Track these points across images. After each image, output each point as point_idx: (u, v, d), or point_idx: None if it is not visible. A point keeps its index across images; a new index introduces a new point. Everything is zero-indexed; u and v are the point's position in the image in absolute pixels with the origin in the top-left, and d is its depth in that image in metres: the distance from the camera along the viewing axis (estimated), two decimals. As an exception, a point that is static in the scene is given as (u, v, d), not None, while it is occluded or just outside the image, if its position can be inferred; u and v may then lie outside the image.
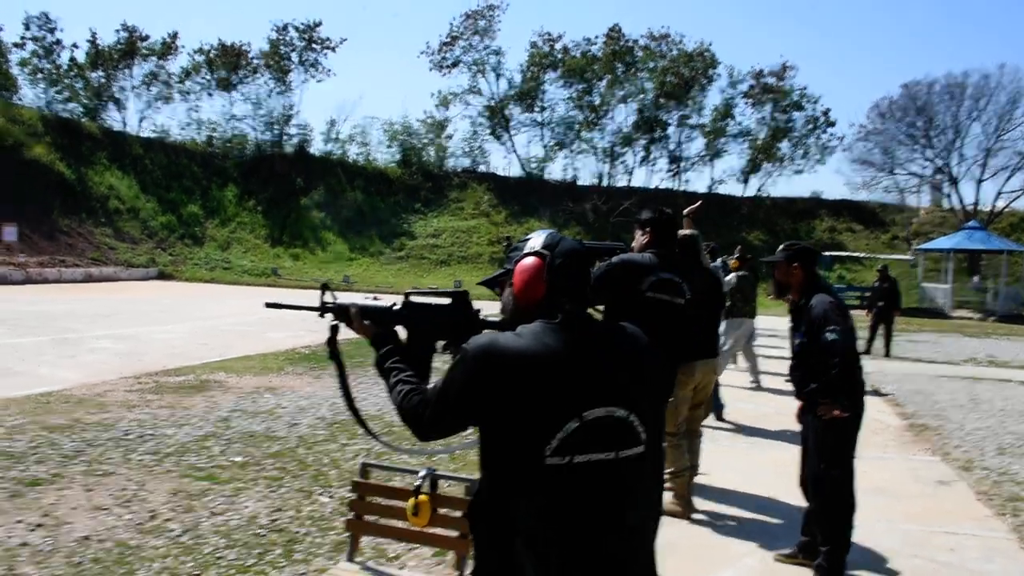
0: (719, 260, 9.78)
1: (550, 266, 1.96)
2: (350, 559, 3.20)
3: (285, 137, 42.31)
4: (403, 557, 4.54)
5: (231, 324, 16.03)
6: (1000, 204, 36.68)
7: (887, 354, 15.65)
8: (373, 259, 35.66)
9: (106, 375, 9.61)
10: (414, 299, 2.48)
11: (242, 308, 19.47)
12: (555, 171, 44.68)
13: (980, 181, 37.20)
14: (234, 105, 42.91)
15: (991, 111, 36.72)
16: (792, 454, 4.75)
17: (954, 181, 37.89)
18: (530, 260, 1.99)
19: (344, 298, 2.60)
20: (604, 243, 4.61)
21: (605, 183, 41.72)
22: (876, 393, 11.25)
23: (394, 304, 2.48)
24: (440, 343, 2.41)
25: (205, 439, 6.83)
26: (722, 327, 10.41)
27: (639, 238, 4.24)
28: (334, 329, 2.52)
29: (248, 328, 15.28)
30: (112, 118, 40.50)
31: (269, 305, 2.85)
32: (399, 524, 3.17)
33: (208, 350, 12.09)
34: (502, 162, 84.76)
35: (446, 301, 2.44)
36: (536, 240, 2.03)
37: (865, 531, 5.27)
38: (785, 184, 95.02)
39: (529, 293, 1.98)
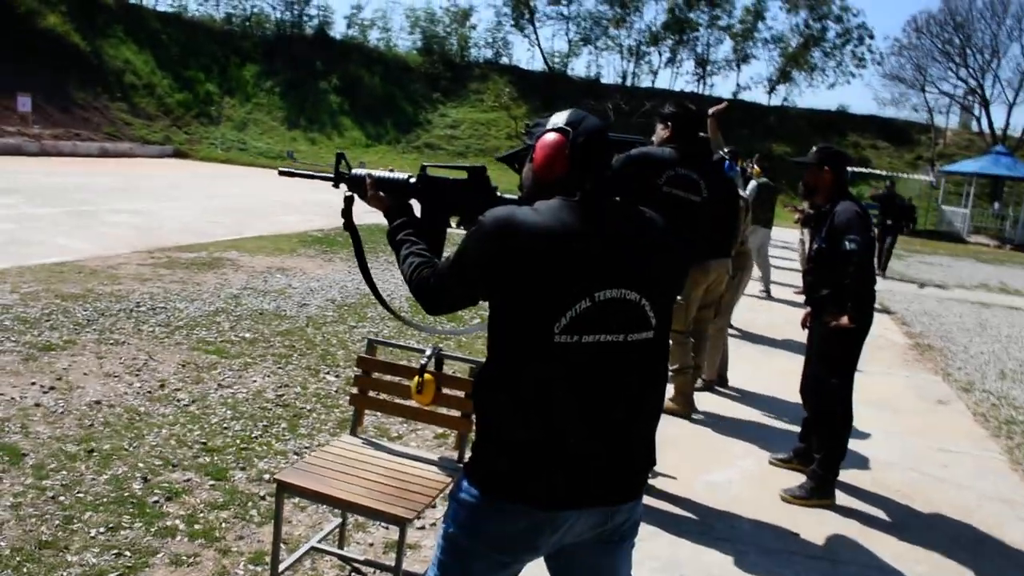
0: (739, 166, 9.60)
1: (572, 143, 1.89)
2: (352, 432, 3.24)
3: (305, 18, 41.34)
4: (405, 437, 4.64)
5: (245, 204, 16.01)
6: (1031, 130, 35.85)
7: (882, 271, 15.05)
8: (390, 147, 35.29)
9: (120, 248, 9.66)
10: (430, 173, 2.41)
11: (257, 189, 19.43)
12: (578, 67, 43.84)
13: (1012, 105, 36.34)
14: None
15: (1033, 31, 35.46)
16: (796, 363, 4.76)
17: (986, 103, 36.94)
18: (552, 136, 1.91)
19: (373, 170, 2.53)
20: (625, 136, 4.50)
21: (629, 83, 40.84)
22: (884, 311, 11.25)
23: (410, 176, 2.42)
24: (455, 218, 2.36)
25: (215, 314, 6.90)
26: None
27: (660, 132, 4.14)
28: (348, 200, 2.48)
29: (262, 209, 15.26)
30: (130, -11, 39.57)
31: (283, 173, 2.81)
32: (403, 401, 3.21)
33: (222, 228, 12.11)
34: (525, 55, 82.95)
35: (463, 176, 2.37)
36: (559, 117, 1.95)
37: (862, 442, 5.35)
38: (811, 96, 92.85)
39: (549, 170, 1.91)
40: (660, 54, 41.63)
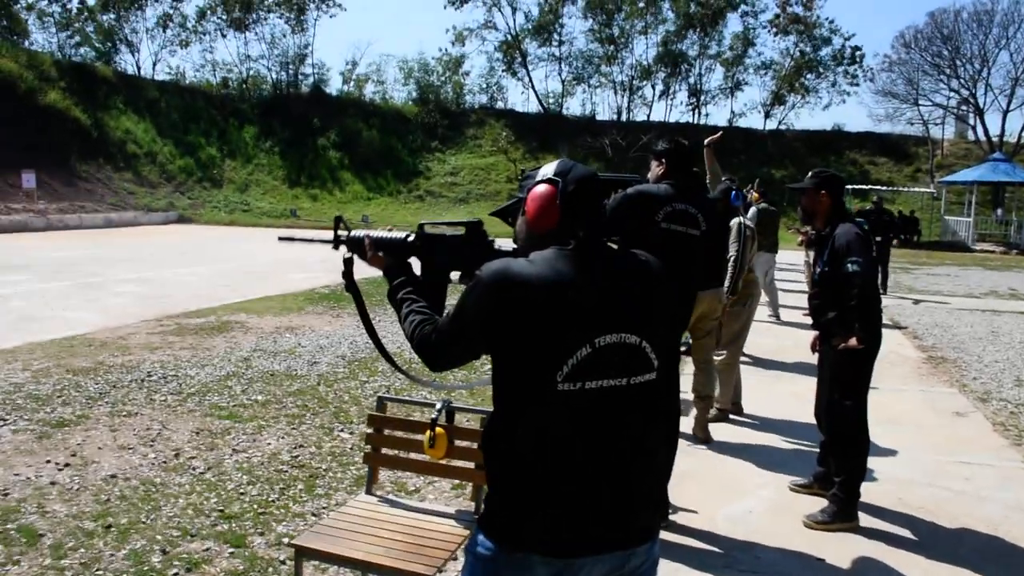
0: (741, 193, 9.65)
1: (563, 192, 1.93)
2: (368, 491, 3.24)
3: (301, 77, 42.08)
4: (423, 491, 4.62)
5: (251, 266, 16.14)
6: (1027, 135, 35.94)
7: (884, 290, 15.04)
8: (392, 199, 35.61)
9: (129, 318, 9.73)
10: (428, 230, 2.45)
11: (262, 250, 19.57)
12: (573, 106, 44.22)
13: (1007, 112, 36.48)
14: (248, 45, 42.85)
15: (1020, 38, 35.81)
16: (809, 386, 4.74)
17: (980, 112, 37.10)
18: (543, 187, 1.95)
19: (371, 231, 2.57)
20: (620, 175, 4.55)
21: (624, 118, 41.26)
22: (895, 327, 11.21)
23: (408, 235, 2.45)
24: (455, 274, 2.38)
25: (227, 379, 6.92)
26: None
27: (655, 169, 4.17)
28: (348, 262, 2.50)
29: (268, 269, 15.37)
30: (126, 62, 40.57)
31: (282, 239, 2.85)
32: (416, 457, 3.21)
33: (229, 292, 12.20)
34: (519, 98, 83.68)
35: (460, 231, 2.40)
36: (548, 168, 2.00)
37: (882, 461, 5.30)
38: (807, 118, 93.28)
39: (542, 220, 1.94)
40: (653, 87, 42.13)
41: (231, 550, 3.80)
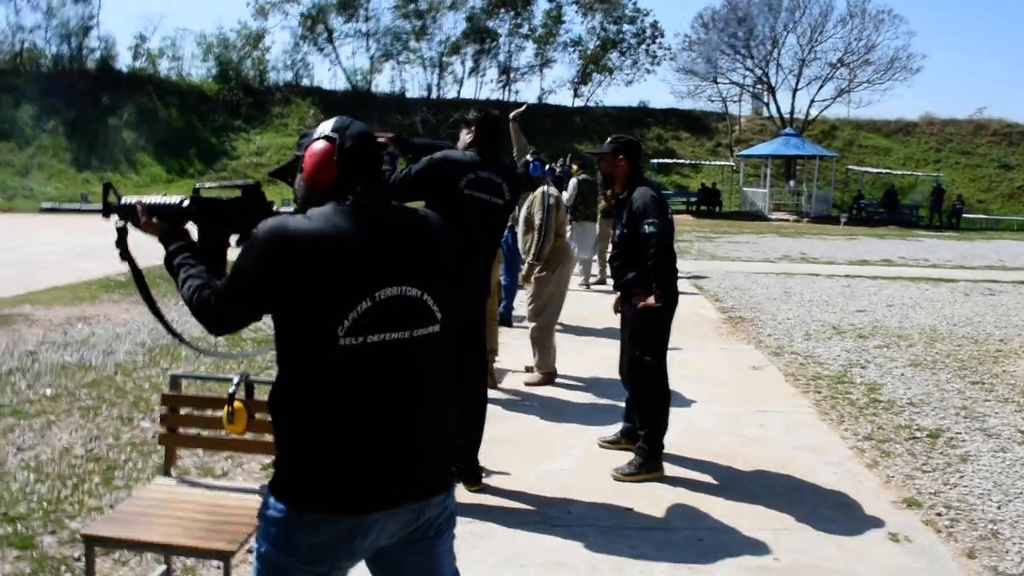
0: (549, 167, 9.86)
1: (340, 149, 1.92)
2: (166, 473, 3.07)
3: (86, 51, 38.59)
4: (231, 473, 4.43)
5: (36, 255, 14.77)
6: (813, 112, 38.96)
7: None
8: (195, 180, 33.58)
9: None
10: (203, 194, 2.38)
11: (49, 237, 17.99)
12: (383, 83, 43.39)
13: (796, 90, 39.29)
14: (20, 14, 38.62)
15: (805, 23, 38.60)
16: (617, 348, 4.93)
17: (772, 90, 39.81)
18: (320, 144, 1.94)
19: (144, 196, 2.44)
20: (429, 140, 4.52)
21: (434, 95, 41.03)
22: (698, 289, 11.92)
23: (183, 200, 2.37)
24: (234, 237, 2.33)
25: (8, 375, 6.32)
26: (568, 232, 10.72)
27: (464, 137, 4.17)
28: (121, 231, 2.40)
29: (56, 258, 14.12)
30: None
31: (45, 210, 2.64)
32: (216, 434, 3.07)
33: (9, 284, 11.09)
34: (327, 75, 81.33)
35: (237, 194, 2.36)
36: (326, 125, 1.98)
37: (684, 413, 5.63)
38: (615, 94, 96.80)
39: (319, 177, 1.93)
40: (463, 64, 42.14)
41: (16, 553, 3.49)
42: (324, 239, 1.78)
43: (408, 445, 1.88)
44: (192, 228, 2.34)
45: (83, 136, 33.36)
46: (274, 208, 2.34)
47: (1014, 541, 3.92)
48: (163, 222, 2.31)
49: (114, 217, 2.42)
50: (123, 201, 2.40)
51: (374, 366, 1.82)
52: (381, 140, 2.32)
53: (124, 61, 39.44)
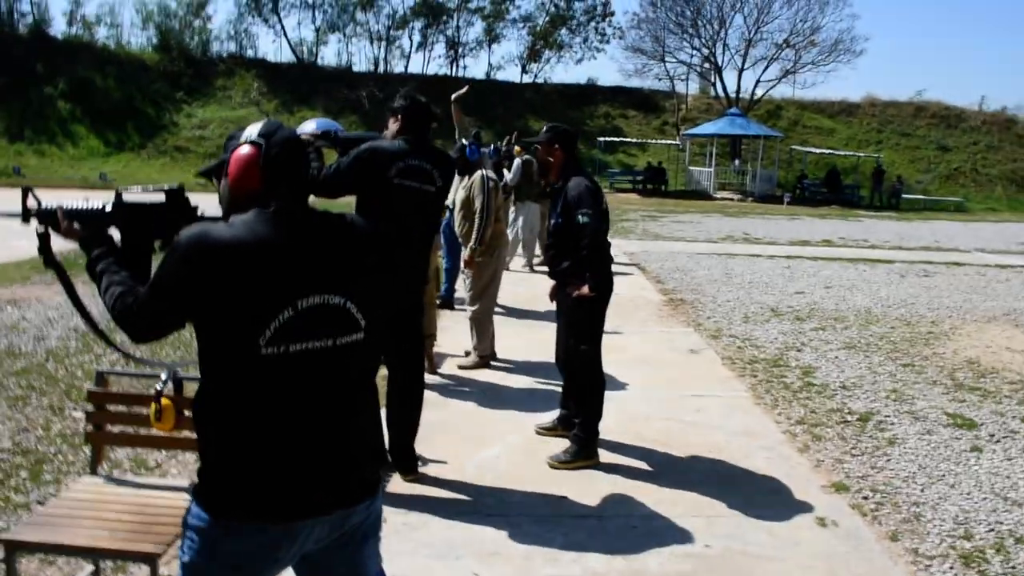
0: (493, 147, 9.83)
1: (266, 155, 1.89)
2: (93, 471, 3.02)
3: (17, 16, 37.14)
4: (164, 465, 4.37)
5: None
6: (759, 92, 39.40)
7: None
8: (134, 155, 32.59)
9: None
10: (126, 198, 2.35)
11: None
12: (329, 56, 42.61)
13: (742, 70, 39.68)
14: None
15: (752, 3, 38.95)
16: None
17: (719, 70, 40.17)
18: (246, 149, 1.91)
19: (65, 201, 2.39)
20: (360, 133, 4.47)
21: (381, 69, 40.51)
22: (640, 270, 12.03)
23: (105, 205, 2.34)
24: (158, 242, 2.30)
25: (-67, 361, 6.14)
26: (512, 212, 10.73)
27: (391, 125, 4.12)
28: (43, 236, 2.34)
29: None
30: None
31: None
32: (146, 432, 3.03)
33: (-64, 263, 10.74)
34: (271, 47, 79.71)
35: (160, 198, 2.33)
36: (252, 129, 1.95)
37: (621, 398, 5.70)
38: (563, 72, 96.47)
39: (244, 183, 1.90)
40: (411, 39, 41.66)
41: (-65, 554, 3.40)
42: (245, 247, 1.77)
43: (333, 453, 1.88)
44: (115, 232, 2.31)
45: (15, 106, 32.08)
46: (200, 212, 2.32)
47: (935, 523, 4.07)
48: (85, 228, 2.26)
49: (34, 222, 2.36)
50: (43, 206, 2.34)
51: (297, 375, 1.82)
52: (307, 139, 2.30)
53: (59, 27, 38.11)
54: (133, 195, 2.39)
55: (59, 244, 2.34)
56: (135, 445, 3.56)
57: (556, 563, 3.50)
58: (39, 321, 7.55)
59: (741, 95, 39.13)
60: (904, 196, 32.43)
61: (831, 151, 35.66)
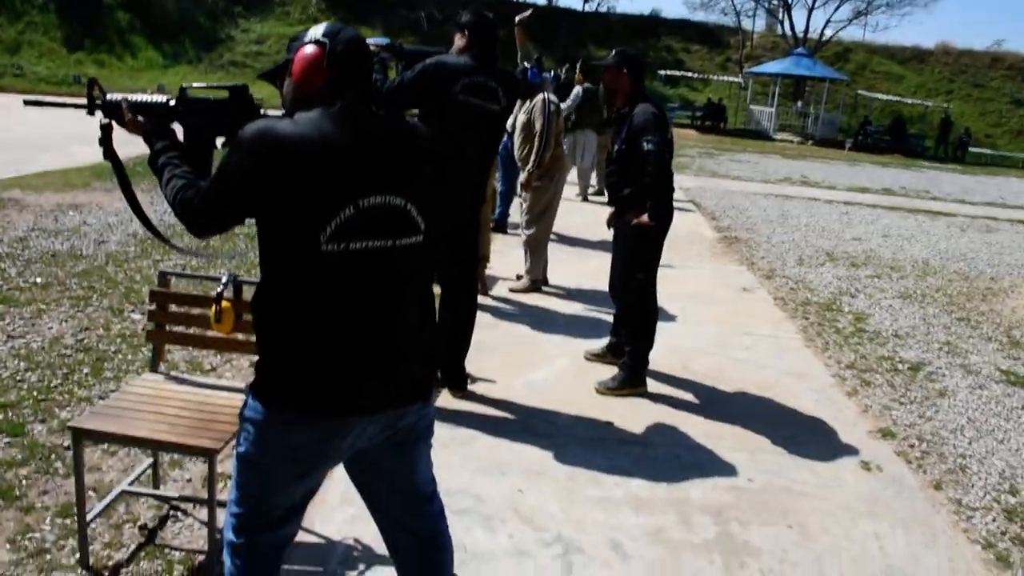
0: (554, 73, 9.66)
1: (330, 54, 1.87)
2: (154, 369, 3.09)
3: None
4: (219, 369, 4.48)
5: (28, 136, 14.55)
6: (828, 33, 38.04)
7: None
8: (191, 67, 32.66)
9: None
10: (191, 94, 2.34)
11: (42, 119, 17.70)
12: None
13: (812, 8, 38.42)
14: None
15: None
16: (608, 263, 4.92)
17: (788, 7, 38.82)
18: (310, 49, 1.89)
19: (129, 94, 2.40)
20: (424, 47, 4.39)
21: (443, -12, 39.78)
22: (696, 206, 11.85)
23: (170, 99, 2.34)
24: (220, 139, 2.31)
25: (-1, 260, 6.32)
26: (567, 141, 10.57)
27: (457, 42, 4.04)
28: (106, 128, 2.35)
29: (49, 141, 13.94)
30: None
31: (28, 103, 2.59)
32: (204, 333, 3.08)
33: (3, 167, 10.99)
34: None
35: (224, 95, 2.32)
36: (317, 29, 1.93)
37: (672, 331, 5.67)
38: (627, 1, 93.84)
39: (308, 82, 1.89)
40: (474, -42, 40.69)
41: (7, 440, 3.54)
42: (310, 144, 1.76)
43: (388, 352, 1.90)
44: (178, 128, 2.31)
45: (75, 16, 32.23)
46: (262, 111, 2.29)
47: (980, 476, 4.02)
48: (148, 121, 2.27)
49: (99, 114, 2.37)
50: (108, 98, 2.35)
51: (356, 273, 1.82)
52: (372, 48, 2.26)
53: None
54: (197, 90, 2.38)
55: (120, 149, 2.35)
56: (194, 345, 3.64)
57: (600, 485, 3.53)
58: (99, 226, 7.71)
59: (809, 35, 37.81)
60: (971, 149, 31.32)
61: (898, 98, 34.41)
